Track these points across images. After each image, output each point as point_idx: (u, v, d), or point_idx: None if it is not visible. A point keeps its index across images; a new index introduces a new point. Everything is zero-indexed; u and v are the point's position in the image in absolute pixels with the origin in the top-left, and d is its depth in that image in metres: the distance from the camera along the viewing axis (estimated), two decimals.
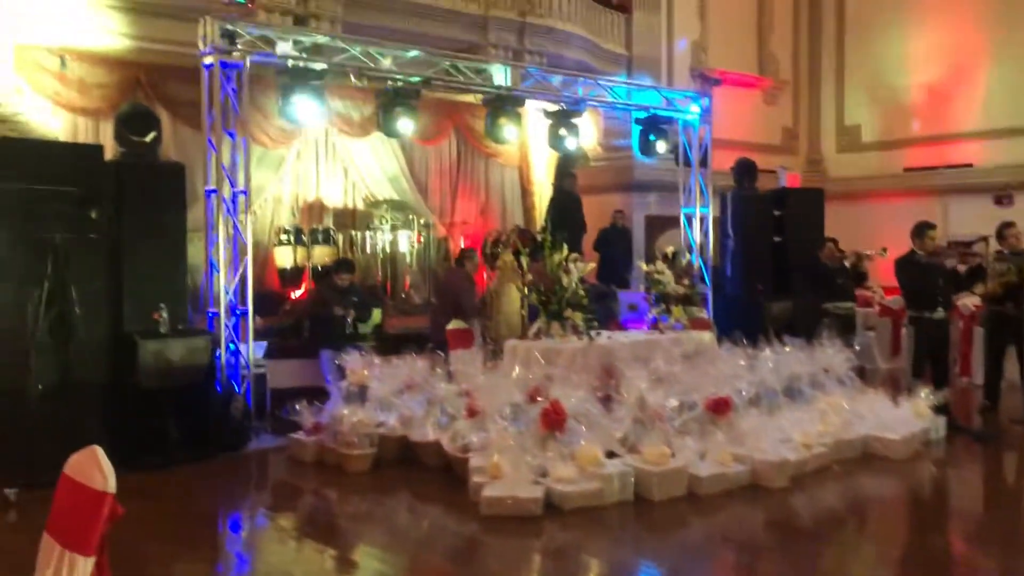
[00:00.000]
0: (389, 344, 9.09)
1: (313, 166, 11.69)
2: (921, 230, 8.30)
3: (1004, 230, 8.82)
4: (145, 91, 10.03)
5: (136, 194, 7.30)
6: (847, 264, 10.04)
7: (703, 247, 11.67)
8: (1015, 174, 13.29)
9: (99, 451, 2.76)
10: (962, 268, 8.68)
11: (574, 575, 4.80)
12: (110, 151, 7.95)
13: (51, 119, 9.23)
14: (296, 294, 10.69)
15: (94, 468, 2.71)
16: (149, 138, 7.49)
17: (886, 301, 12.09)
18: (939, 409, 7.74)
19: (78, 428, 6.03)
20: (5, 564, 4.49)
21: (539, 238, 10.58)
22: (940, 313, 8.18)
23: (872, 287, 12.50)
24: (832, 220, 11.96)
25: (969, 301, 10.43)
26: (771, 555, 5.09)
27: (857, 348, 8.68)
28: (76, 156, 7.22)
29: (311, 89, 8.14)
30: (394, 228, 11.40)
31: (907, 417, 7.37)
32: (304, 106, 8.17)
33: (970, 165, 13.90)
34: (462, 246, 11.74)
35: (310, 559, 5.18)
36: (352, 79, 8.76)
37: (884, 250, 8.84)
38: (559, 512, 5.56)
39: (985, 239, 8.62)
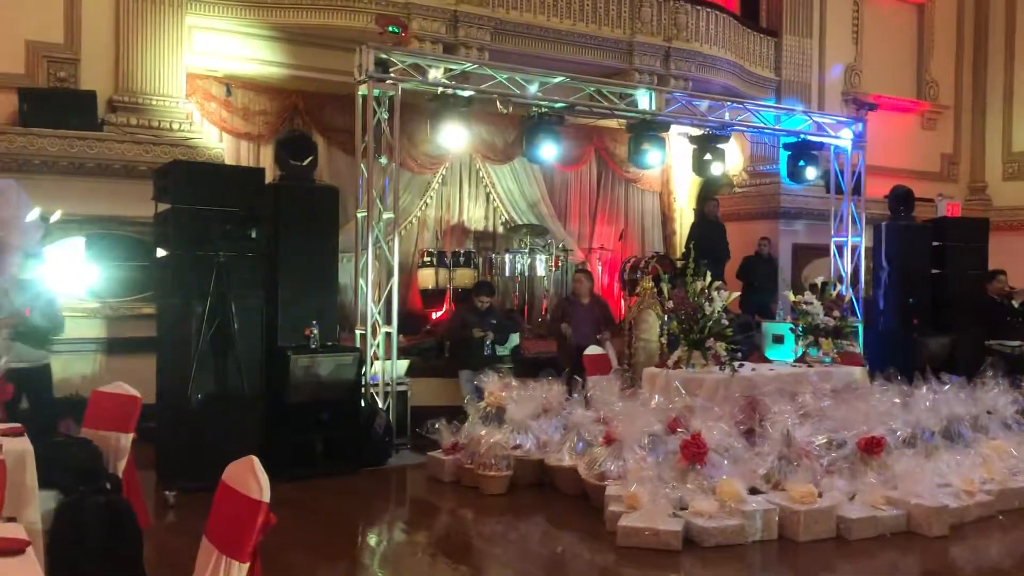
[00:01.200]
0: (526, 367, 9.15)
1: (457, 190, 12.01)
2: None
3: None
4: (303, 117, 10.60)
5: (293, 215, 7.63)
6: (1015, 302, 9.39)
7: (854, 278, 11.18)
8: None
9: (256, 461, 2.88)
10: None
11: None
12: (269, 174, 8.39)
13: (217, 143, 9.86)
14: (437, 315, 10.95)
15: (251, 477, 2.82)
16: (306, 162, 7.83)
17: None
18: None
19: (233, 437, 6.34)
20: (166, 563, 4.74)
21: (679, 265, 10.44)
22: None
23: None
24: (997, 251, 11.20)
25: None
26: None
27: None
28: (239, 178, 7.63)
29: (459, 115, 8.33)
30: (532, 252, 11.51)
31: None
32: (451, 132, 8.37)
33: None
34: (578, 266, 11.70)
35: None
36: (498, 105, 8.90)
37: None
38: (698, 547, 5.40)
39: None
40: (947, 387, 7.28)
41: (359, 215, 8.11)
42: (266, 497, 2.80)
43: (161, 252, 7.15)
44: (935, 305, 10.68)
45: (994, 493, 6.32)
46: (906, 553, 5.52)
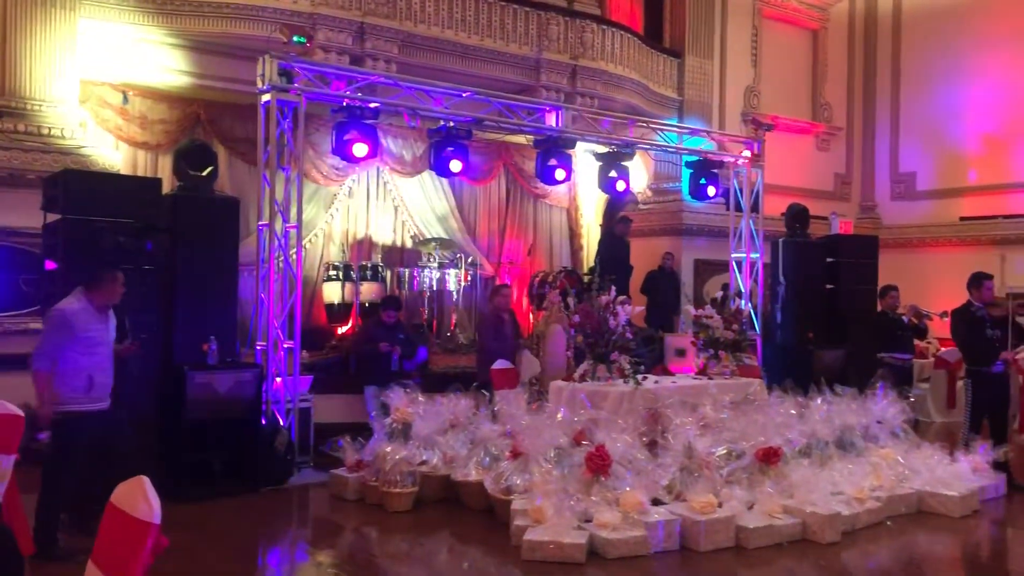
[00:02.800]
0: (434, 382, 9.09)
1: (364, 203, 11.86)
2: (978, 280, 8.10)
3: None
4: (204, 127, 10.30)
5: (191, 227, 7.42)
6: (906, 319, 9.82)
7: (753, 293, 11.51)
8: None
9: (146, 481, 2.77)
10: (1022, 320, 8.43)
11: None
12: (168, 185, 8.13)
13: (113, 153, 9.51)
14: (343, 330, 10.78)
15: (140, 498, 2.71)
16: (206, 172, 7.63)
17: (941, 353, 11.79)
18: (998, 466, 7.49)
19: (127, 457, 6.07)
20: None
21: (587, 280, 10.57)
22: (998, 367, 7.94)
23: (929, 339, 12.21)
24: (886, 268, 11.73)
25: None
26: None
27: (911, 400, 8.46)
28: (134, 189, 7.40)
29: (365, 128, 8.25)
30: (442, 266, 11.46)
31: (964, 473, 7.11)
32: (357, 145, 8.27)
33: None
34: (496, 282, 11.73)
35: None
36: (405, 119, 8.86)
37: (945, 313, 8.61)
38: (602, 559, 5.44)
39: None
40: (840, 398, 7.57)
41: (261, 227, 7.93)
42: (156, 519, 2.70)
43: (50, 264, 6.84)
44: (829, 319, 11.10)
45: (883, 500, 6.58)
46: (801, 560, 5.68)
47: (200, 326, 7.20)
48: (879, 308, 10.35)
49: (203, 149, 8.01)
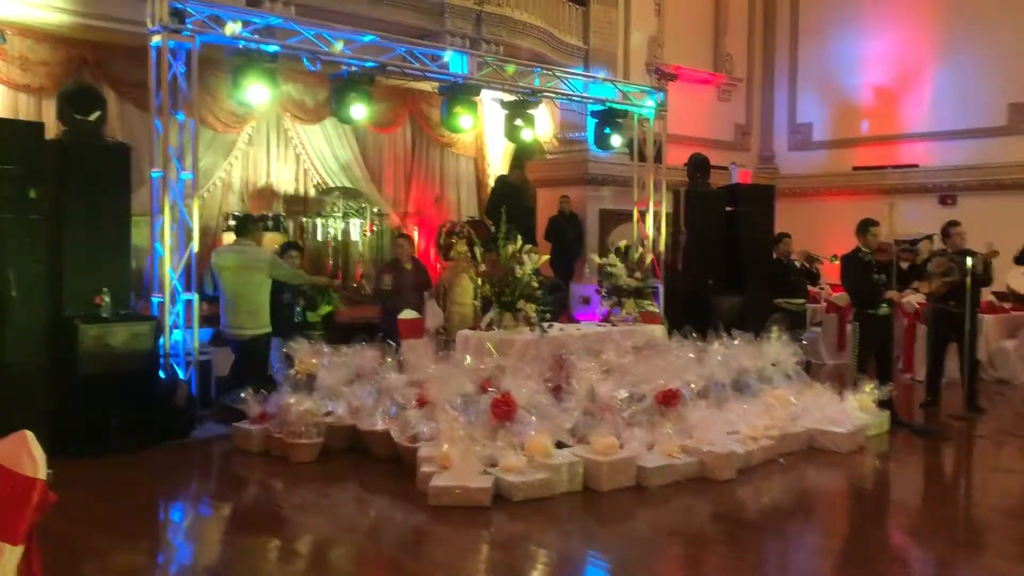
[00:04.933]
0: (339, 334, 9.00)
1: (264, 151, 11.53)
2: (865, 227, 8.44)
3: (949, 229, 9.01)
4: (91, 70, 9.80)
5: (79, 174, 7.09)
6: (799, 264, 10.18)
7: (655, 241, 11.74)
8: (959, 175, 13.59)
9: (29, 436, 2.66)
10: (905, 266, 8.83)
11: (522, 566, 4.77)
12: (53, 130, 7.72)
13: None
14: None
15: (23, 453, 2.61)
16: (93, 117, 7.28)
17: (833, 298, 12.30)
18: (882, 404, 7.90)
19: (13, 414, 5.85)
20: None
21: (494, 230, 10.58)
22: (884, 310, 8.33)
23: (822, 285, 12.71)
24: (782, 217, 12.10)
25: (913, 298, 10.65)
26: (717, 547, 5.12)
27: (804, 343, 8.81)
28: (15, 133, 6.97)
29: (263, 72, 7.98)
30: (346, 216, 11.29)
31: (851, 411, 7.48)
32: (255, 89, 8.01)
33: (916, 166, 14.17)
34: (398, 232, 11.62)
35: (254, 550, 5.09)
36: (305, 63, 8.60)
37: (835, 256, 8.96)
38: (507, 502, 5.55)
39: (930, 238, 8.79)
40: (737, 342, 7.84)
41: (154, 175, 7.62)
42: (42, 474, 2.61)
43: None
44: (728, 267, 11.42)
45: (776, 438, 6.88)
46: (699, 496, 5.90)
47: (91, 278, 6.93)
48: (774, 255, 10.69)
49: (89, 92, 7.63)
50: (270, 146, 11.57)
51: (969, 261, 8.45)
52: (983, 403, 8.95)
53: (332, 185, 11.78)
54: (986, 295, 10.02)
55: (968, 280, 8.42)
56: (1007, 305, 11.19)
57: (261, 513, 5.80)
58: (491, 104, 12.49)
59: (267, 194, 11.47)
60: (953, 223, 9.11)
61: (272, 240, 10.50)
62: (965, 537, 5.37)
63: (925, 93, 14.19)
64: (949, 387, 9.25)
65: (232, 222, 10.48)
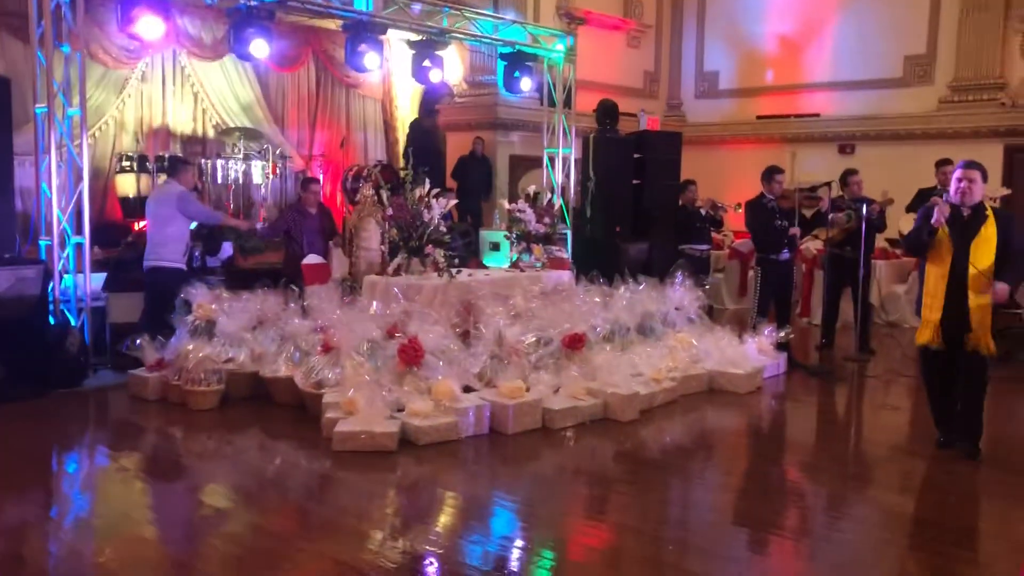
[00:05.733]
0: (240, 279, 8.75)
1: (159, 89, 11.02)
2: (770, 174, 8.61)
3: (847, 177, 9.28)
4: None
5: None
6: (703, 212, 10.35)
7: (565, 188, 11.75)
8: (858, 124, 13.98)
9: None
10: (807, 213, 9.06)
11: (428, 508, 4.78)
12: None
13: None
14: (141, 225, 10.11)
15: None
16: None
17: (735, 244, 12.59)
18: (780, 346, 8.17)
19: None
20: None
21: (403, 174, 10.40)
22: (785, 255, 8.56)
23: (725, 232, 12.98)
24: (689, 164, 12.26)
25: (812, 245, 10.99)
26: (620, 485, 5.23)
27: (707, 288, 9.01)
28: None
29: (154, 4, 7.56)
30: (247, 158, 10.91)
31: (750, 354, 7.71)
32: (146, 23, 7.59)
33: (817, 115, 14.51)
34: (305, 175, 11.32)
35: (154, 499, 4.96)
36: None
37: (739, 205, 9.15)
38: (414, 447, 5.53)
39: (828, 185, 9.03)
40: (642, 287, 7.95)
41: (38, 111, 7.19)
42: None
43: None
44: (636, 213, 11.54)
45: (678, 380, 7.04)
46: (603, 437, 6.01)
47: None
48: (680, 203, 10.84)
49: None
50: (166, 84, 11.06)
51: (865, 209, 8.73)
52: (874, 345, 9.35)
53: (232, 126, 11.36)
54: (880, 241, 10.41)
55: (863, 226, 8.71)
56: (899, 251, 11.64)
57: (160, 462, 5.65)
58: (399, 44, 12.19)
59: (163, 134, 10.99)
60: (851, 171, 9.38)
61: None
62: (855, 471, 5.61)
63: (827, 44, 14.47)
64: (843, 330, 9.63)
65: (127, 163, 10.04)
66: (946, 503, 4.91)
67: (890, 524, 4.62)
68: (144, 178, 10.06)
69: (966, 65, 13.00)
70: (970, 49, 12.95)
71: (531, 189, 9.46)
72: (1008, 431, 6.53)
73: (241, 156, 10.89)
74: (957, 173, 5.38)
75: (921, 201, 9.46)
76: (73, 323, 7.18)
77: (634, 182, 11.68)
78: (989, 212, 5.34)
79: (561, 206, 11.24)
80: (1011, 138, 12.55)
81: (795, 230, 8.50)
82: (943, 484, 5.17)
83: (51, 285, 7.02)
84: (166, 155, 10.37)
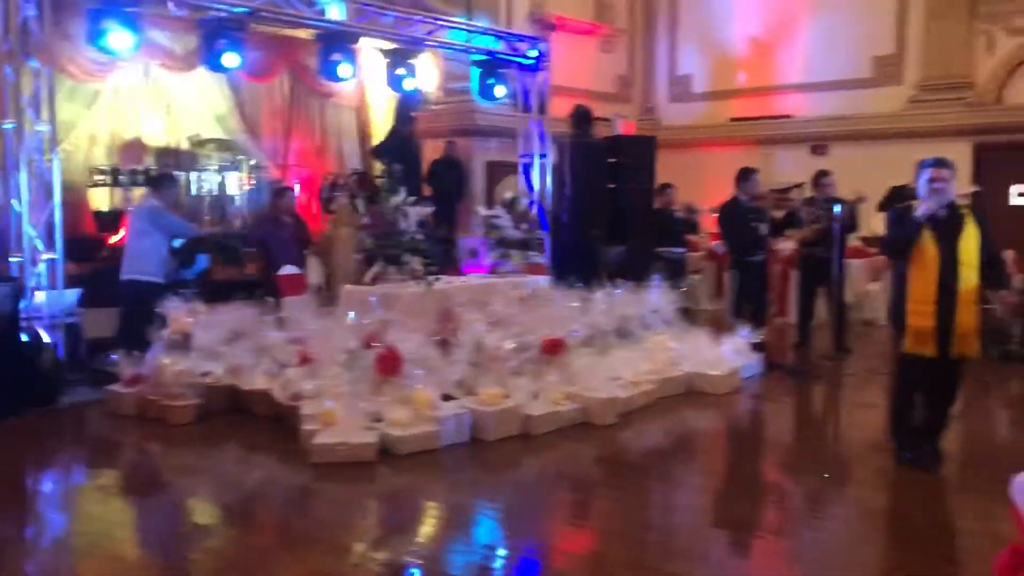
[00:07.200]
0: (216, 292, 8.68)
1: (131, 102, 10.92)
2: (746, 175, 8.68)
3: (819, 178, 9.36)
4: None
5: None
6: (680, 215, 10.41)
7: (541, 193, 11.78)
8: (830, 125, 14.11)
9: None
10: (779, 214, 9.14)
11: (409, 518, 4.77)
12: None
13: None
14: (115, 239, 10.02)
15: None
16: None
17: (711, 246, 12.67)
18: (757, 347, 8.22)
19: None
20: None
21: (380, 183, 10.38)
22: (759, 256, 8.62)
23: (702, 234, 13.06)
24: (664, 168, 12.31)
25: (786, 245, 11.07)
26: (601, 489, 5.25)
27: (683, 290, 9.06)
28: None
29: (123, 16, 7.52)
30: (222, 169, 10.83)
31: (727, 354, 7.76)
32: (116, 35, 7.55)
33: (790, 116, 14.64)
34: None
35: (133, 516, 4.92)
36: (170, 7, 8.14)
37: (714, 209, 9.22)
38: (394, 457, 5.52)
39: (800, 186, 9.11)
40: (620, 291, 7.99)
41: (6, 127, 7.12)
42: None
43: None
44: (612, 217, 11.57)
45: (656, 382, 7.07)
46: (582, 442, 6.02)
47: None
48: (656, 206, 10.90)
49: None
50: (138, 96, 10.96)
51: (838, 208, 8.81)
52: (850, 343, 9.42)
53: (206, 137, 11.28)
54: (853, 241, 10.51)
55: (837, 226, 8.79)
56: (872, 250, 11.76)
57: (139, 478, 5.62)
58: (373, 53, 12.17)
59: (136, 147, 10.88)
60: (823, 172, 9.47)
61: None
62: (833, 470, 5.66)
63: (798, 45, 14.61)
64: (819, 329, 9.71)
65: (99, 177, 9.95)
66: (922, 500, 4.96)
67: (868, 522, 4.66)
68: (117, 192, 9.97)
69: (934, 65, 13.18)
70: (937, 49, 13.13)
71: (507, 195, 9.48)
72: (983, 429, 6.61)
73: (216, 167, 10.82)
74: (929, 173, 5.18)
75: (894, 198, 9.59)
76: (47, 340, 7.11)
77: (610, 186, 11.70)
78: (965, 211, 5.19)
79: (538, 211, 11.26)
80: (979, 136, 12.73)
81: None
82: (920, 482, 5.21)
83: (23, 302, 6.94)
84: (140, 168, 10.29)
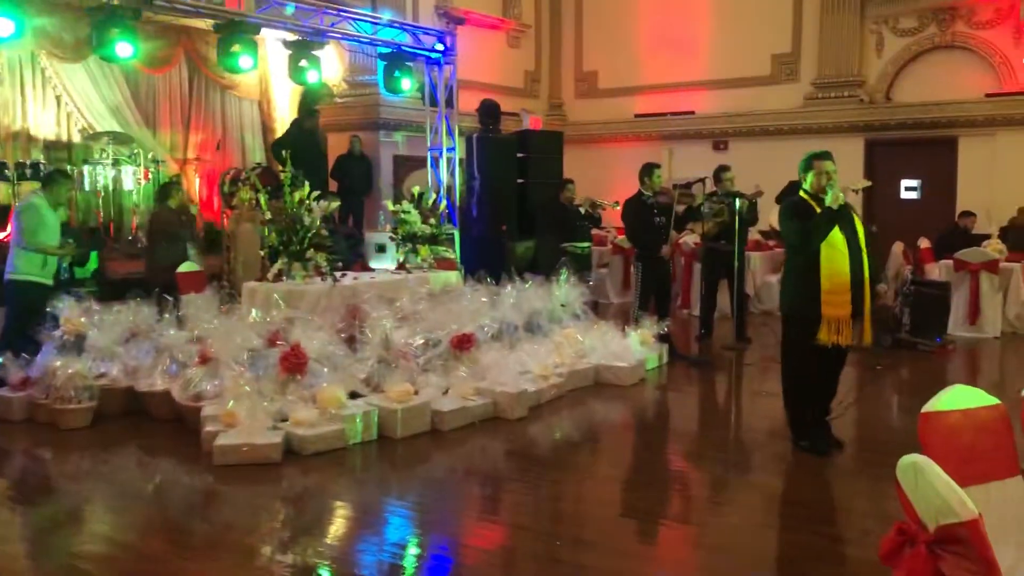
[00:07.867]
0: (111, 290, 8.38)
1: (18, 92, 10.44)
2: (649, 170, 8.81)
3: (720, 173, 9.59)
4: None
5: None
6: (582, 210, 10.50)
7: (450, 188, 11.73)
8: (730, 122, 14.49)
9: None
10: (680, 209, 9.30)
11: (317, 519, 4.68)
12: None
13: None
14: (3, 235, 9.56)
15: None
16: None
17: (618, 240, 12.86)
18: (662, 338, 8.38)
19: None
20: None
21: (283, 177, 10.17)
22: (664, 250, 8.78)
23: (607, 228, 13.22)
24: (571, 163, 12.45)
25: (689, 239, 11.33)
26: (511, 483, 5.26)
27: (591, 284, 9.16)
28: None
29: (5, 2, 7.14)
30: (117, 163, 10.45)
31: (633, 346, 7.88)
32: None
33: (692, 112, 14.96)
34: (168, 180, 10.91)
35: (25, 524, 4.68)
36: None
37: (617, 203, 9.34)
38: (300, 457, 5.42)
39: (703, 181, 9.31)
40: (528, 286, 8.02)
41: None
42: None
43: None
44: (520, 212, 11.63)
45: (565, 375, 7.13)
46: (492, 436, 6.03)
47: None
48: (560, 201, 10.97)
49: None
50: (25, 87, 10.48)
51: (738, 203, 9.05)
52: (751, 333, 9.70)
53: (100, 130, 10.86)
54: (753, 234, 10.81)
55: (736, 220, 9.02)
56: (771, 243, 12.13)
57: (29, 485, 5.35)
58: (275, 43, 11.91)
59: (24, 139, 10.42)
60: (724, 167, 9.70)
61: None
62: (735, 458, 5.82)
63: (700, 43, 14.92)
64: (721, 320, 9.96)
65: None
66: (818, 484, 5.14)
67: (767, 507, 4.81)
68: (4, 186, 9.50)
69: (828, 63, 13.66)
70: (831, 48, 13.62)
71: (416, 190, 9.41)
72: (878, 413, 6.89)
73: (110, 161, 10.43)
74: (816, 166, 5.32)
75: (791, 193, 9.89)
76: None
77: (518, 181, 11.77)
78: (848, 205, 5.35)
79: (447, 206, 11.21)
80: (871, 132, 13.27)
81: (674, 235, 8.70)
82: (816, 466, 5.40)
83: None
84: (28, 162, 9.84)
